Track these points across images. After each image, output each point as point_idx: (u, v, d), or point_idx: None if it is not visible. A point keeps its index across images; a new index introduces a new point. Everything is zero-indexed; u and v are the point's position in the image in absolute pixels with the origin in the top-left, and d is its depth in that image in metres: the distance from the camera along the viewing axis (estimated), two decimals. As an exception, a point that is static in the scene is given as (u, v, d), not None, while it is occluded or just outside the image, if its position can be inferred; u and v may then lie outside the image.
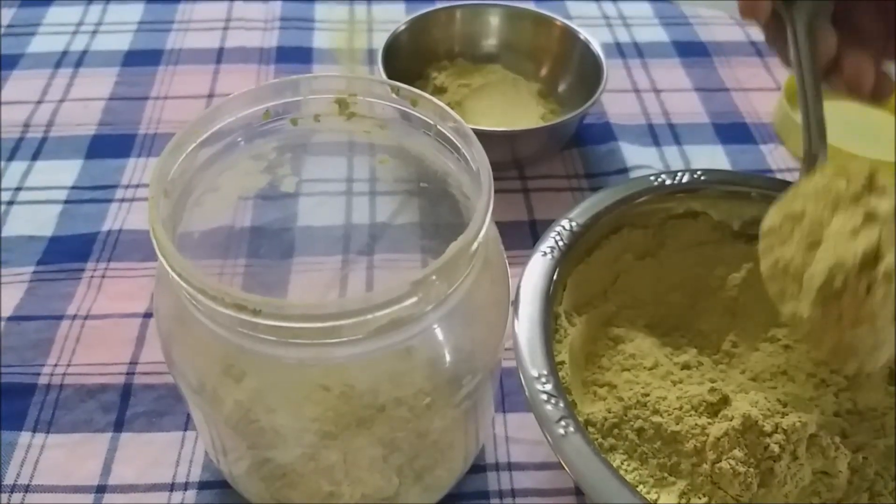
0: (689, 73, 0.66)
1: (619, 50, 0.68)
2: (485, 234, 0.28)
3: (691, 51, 0.68)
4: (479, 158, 0.29)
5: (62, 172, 0.55)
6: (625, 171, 0.56)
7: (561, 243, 0.39)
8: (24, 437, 0.40)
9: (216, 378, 0.29)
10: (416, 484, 0.34)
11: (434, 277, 0.25)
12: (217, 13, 0.71)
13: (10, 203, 0.53)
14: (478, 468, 0.39)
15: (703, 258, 0.43)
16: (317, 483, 0.33)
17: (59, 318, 0.46)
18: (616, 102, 0.62)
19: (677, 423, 0.36)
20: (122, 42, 0.68)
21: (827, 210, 0.33)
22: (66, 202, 0.53)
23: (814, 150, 0.38)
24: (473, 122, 0.56)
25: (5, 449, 0.40)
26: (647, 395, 0.38)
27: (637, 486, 0.35)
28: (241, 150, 0.33)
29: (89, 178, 0.55)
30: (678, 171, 0.43)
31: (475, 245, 0.27)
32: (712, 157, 0.58)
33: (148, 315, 0.46)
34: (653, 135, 0.60)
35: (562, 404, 0.32)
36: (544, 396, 0.32)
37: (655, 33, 0.71)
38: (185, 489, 0.38)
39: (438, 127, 0.32)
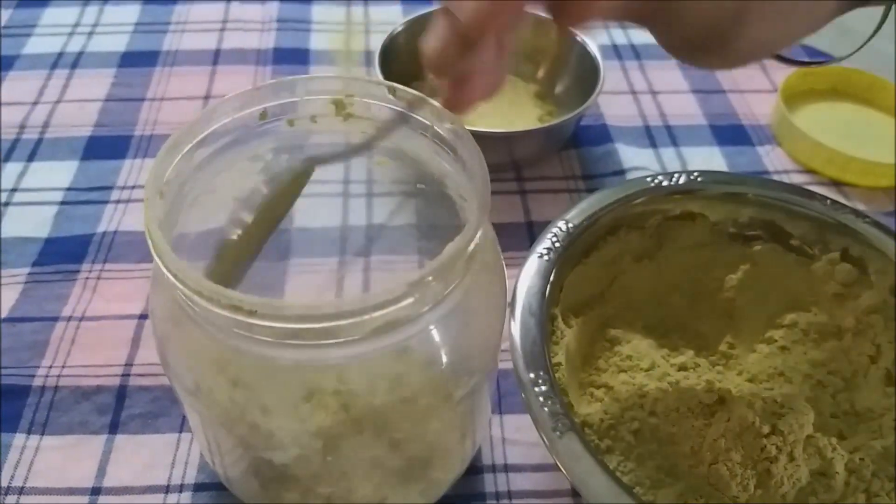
0: (686, 75, 0.66)
1: (616, 52, 0.68)
2: (481, 236, 0.27)
3: (688, 53, 0.68)
4: (475, 160, 0.29)
5: (58, 174, 0.55)
6: (622, 172, 0.56)
7: (557, 245, 0.39)
8: (19, 438, 0.40)
9: (211, 379, 0.29)
10: (413, 486, 0.34)
11: (431, 278, 0.25)
12: (214, 14, 0.71)
13: (6, 204, 0.53)
14: (475, 470, 0.39)
15: (700, 260, 0.43)
16: (313, 485, 0.32)
17: (55, 319, 0.45)
18: (613, 104, 0.62)
19: (674, 425, 0.36)
20: (118, 43, 0.68)
21: None
22: (62, 203, 0.53)
23: None
24: (470, 124, 0.55)
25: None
26: (644, 396, 0.37)
27: (634, 488, 0.35)
28: (238, 151, 0.33)
29: (85, 179, 0.55)
30: (675, 173, 0.43)
31: (472, 246, 0.27)
32: (709, 158, 0.58)
33: (143, 316, 0.46)
34: (650, 136, 0.60)
35: (557, 406, 0.32)
36: (540, 398, 0.32)
37: (652, 36, 0.71)
38: (181, 491, 0.38)
39: (435, 128, 0.32)
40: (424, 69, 0.29)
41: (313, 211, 0.47)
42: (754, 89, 0.65)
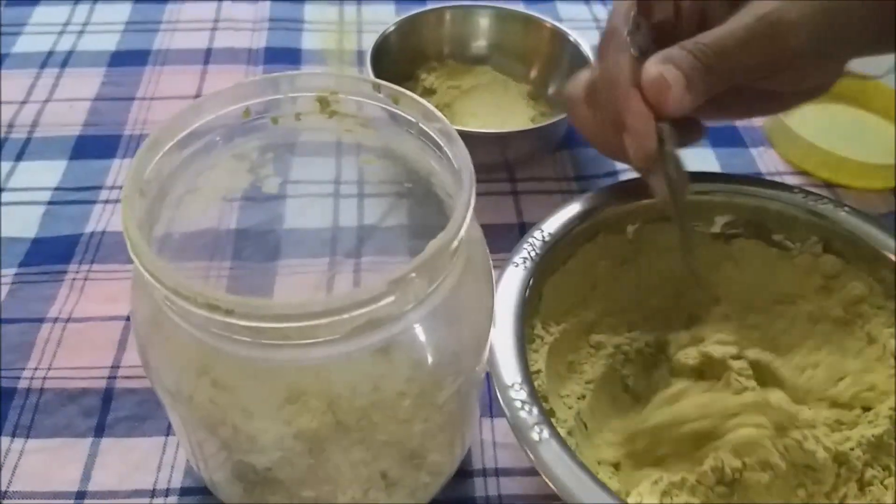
0: (680, 76, 0.66)
1: (609, 52, 0.68)
2: (466, 233, 0.27)
3: (682, 53, 0.68)
4: (460, 156, 0.29)
5: (46, 173, 0.54)
6: (615, 173, 0.55)
7: (533, 254, 0.39)
8: (4, 441, 0.40)
9: (192, 381, 0.29)
10: (400, 489, 0.34)
11: (413, 275, 0.25)
12: (205, 13, 0.71)
13: (-6, 204, 0.52)
14: (464, 473, 0.39)
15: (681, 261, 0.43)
16: (297, 488, 0.32)
17: (41, 320, 0.45)
18: (606, 104, 0.62)
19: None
20: (108, 42, 0.67)
21: None
22: (50, 203, 0.52)
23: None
24: (463, 124, 0.55)
25: (-17, 454, 0.39)
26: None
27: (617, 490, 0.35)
28: (222, 149, 0.33)
29: (73, 179, 0.54)
30: None
31: (455, 243, 0.26)
32: (703, 160, 0.57)
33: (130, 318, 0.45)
34: (643, 137, 0.59)
35: (536, 411, 0.32)
36: (518, 404, 0.32)
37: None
38: (167, 495, 0.38)
39: (421, 125, 0.31)
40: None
41: (303, 211, 0.46)
42: (748, 90, 0.64)
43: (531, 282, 0.38)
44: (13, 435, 0.40)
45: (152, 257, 0.25)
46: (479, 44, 0.63)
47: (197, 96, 0.62)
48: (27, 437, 0.40)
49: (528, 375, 0.34)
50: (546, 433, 0.31)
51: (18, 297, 0.46)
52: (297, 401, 0.28)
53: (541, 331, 0.39)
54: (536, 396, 0.33)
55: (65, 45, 0.67)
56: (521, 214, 0.53)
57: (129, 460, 0.39)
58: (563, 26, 0.60)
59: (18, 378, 0.42)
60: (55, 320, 0.45)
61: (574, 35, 0.59)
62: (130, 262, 0.47)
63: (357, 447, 0.30)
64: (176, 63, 0.65)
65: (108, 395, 0.42)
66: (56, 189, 0.53)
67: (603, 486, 0.30)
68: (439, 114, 0.30)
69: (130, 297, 0.31)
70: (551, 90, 0.61)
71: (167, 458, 0.39)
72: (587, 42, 0.59)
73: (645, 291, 0.43)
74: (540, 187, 0.55)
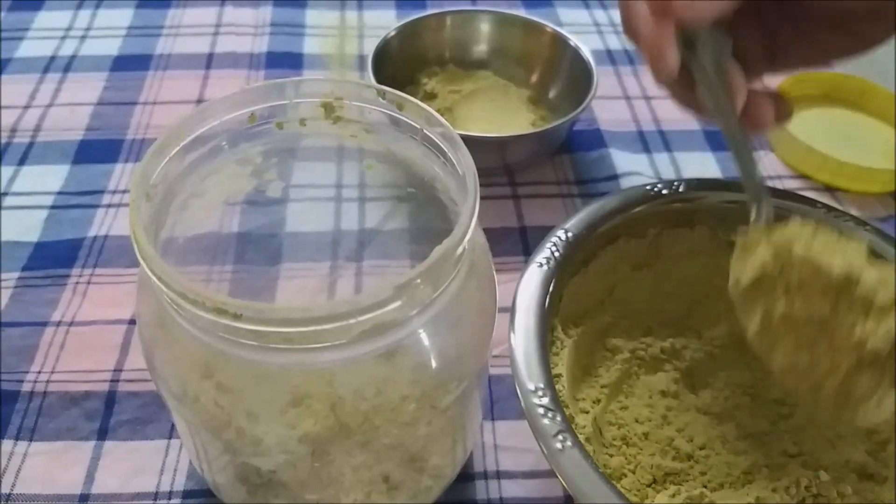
0: (680, 80, 0.66)
1: (609, 57, 0.68)
2: (471, 238, 0.27)
3: (682, 58, 0.68)
4: (465, 162, 0.29)
5: (49, 178, 0.55)
6: (615, 177, 0.56)
7: (557, 254, 0.38)
8: (7, 444, 0.40)
9: (197, 384, 0.29)
10: (402, 492, 0.34)
11: (419, 281, 0.25)
12: (207, 18, 0.71)
13: (-4, 208, 0.52)
14: (466, 476, 0.39)
15: (700, 268, 0.43)
16: (300, 491, 0.32)
17: (44, 324, 0.45)
18: (606, 109, 0.62)
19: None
20: (111, 47, 0.67)
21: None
22: (53, 207, 0.52)
23: (757, 192, 0.35)
24: (464, 128, 0.56)
25: (-13, 457, 0.39)
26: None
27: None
28: (227, 154, 0.33)
29: (76, 183, 0.54)
30: (675, 181, 0.43)
31: (460, 249, 0.27)
32: (703, 164, 0.58)
33: (133, 322, 0.45)
34: (643, 142, 0.60)
35: (559, 418, 0.31)
36: (541, 410, 0.32)
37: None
38: (170, 498, 0.38)
39: (425, 131, 0.31)
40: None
41: (305, 215, 0.47)
42: (748, 94, 0.65)
43: (553, 283, 0.37)
44: (16, 438, 0.40)
45: (160, 261, 0.25)
46: (480, 48, 0.63)
47: (199, 101, 0.62)
48: (30, 440, 0.40)
49: (550, 380, 0.33)
50: (569, 442, 0.31)
51: (21, 300, 0.46)
52: (301, 404, 0.29)
53: (560, 333, 0.38)
54: (559, 402, 0.32)
55: (67, 49, 0.67)
56: (521, 218, 0.53)
57: (131, 463, 0.39)
58: (563, 31, 0.61)
59: (22, 381, 0.42)
60: (58, 324, 0.45)
61: (574, 40, 0.60)
62: (133, 265, 0.48)
63: (360, 450, 0.30)
64: (178, 68, 0.65)
65: (110, 399, 0.42)
66: (59, 193, 0.54)
67: (624, 498, 0.30)
68: (443, 120, 0.31)
69: (136, 299, 0.31)
70: (552, 95, 0.61)
71: (170, 461, 0.39)
72: (587, 46, 0.59)
73: (662, 296, 0.43)
74: (540, 191, 0.55)
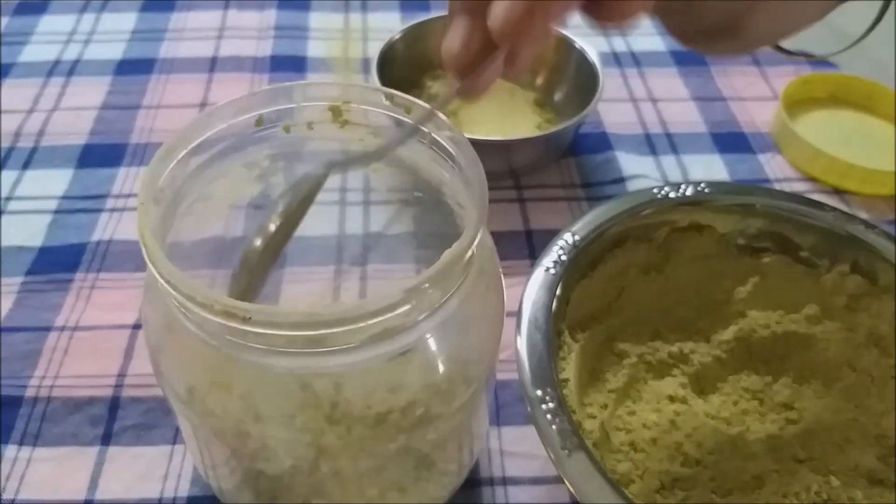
0: (686, 83, 0.66)
1: (615, 59, 0.68)
2: (479, 243, 0.27)
3: (688, 60, 0.68)
4: (473, 167, 0.29)
5: (53, 182, 0.55)
6: (622, 180, 0.55)
7: (564, 258, 0.38)
8: (11, 450, 0.39)
9: (205, 388, 0.29)
10: (410, 497, 0.34)
11: (427, 285, 0.25)
12: (211, 22, 0.71)
13: (1, 213, 0.52)
14: (472, 482, 0.39)
15: (708, 272, 0.43)
16: (307, 497, 0.32)
17: (48, 329, 0.45)
18: (613, 112, 0.62)
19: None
20: (114, 51, 0.67)
21: None
22: (57, 212, 0.52)
23: None
24: (469, 131, 0.55)
25: (-9, 462, 0.39)
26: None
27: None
28: (234, 157, 0.33)
29: (80, 187, 0.54)
30: (682, 184, 0.42)
31: (469, 253, 0.26)
32: (710, 166, 0.58)
33: (137, 326, 0.45)
34: (650, 144, 0.59)
35: (566, 423, 0.31)
36: (548, 415, 0.31)
37: (652, 42, 0.71)
38: (174, 504, 0.38)
39: (433, 135, 0.31)
40: (445, 67, 0.27)
41: (309, 219, 0.46)
42: (755, 97, 0.64)
43: (560, 287, 0.37)
44: (20, 443, 0.40)
45: (168, 264, 0.25)
46: (485, 51, 0.63)
47: (202, 105, 0.62)
48: (34, 445, 0.40)
49: (557, 385, 0.33)
50: (576, 448, 0.31)
51: (25, 305, 0.46)
52: (309, 408, 0.28)
53: (568, 338, 0.38)
54: (566, 408, 0.32)
55: (71, 54, 0.67)
56: (527, 221, 0.53)
57: (135, 469, 0.39)
58: (568, 33, 0.60)
59: (25, 387, 0.42)
60: (62, 329, 0.45)
61: (580, 42, 0.59)
62: (137, 270, 0.48)
63: (368, 455, 0.30)
64: (182, 71, 0.65)
65: (114, 404, 0.42)
66: (62, 198, 0.53)
67: (633, 503, 0.30)
68: (451, 124, 0.30)
69: (142, 303, 0.31)
70: (558, 97, 0.61)
71: (174, 466, 0.39)
72: (593, 49, 0.59)
73: (670, 300, 0.43)
74: (546, 194, 0.55)
